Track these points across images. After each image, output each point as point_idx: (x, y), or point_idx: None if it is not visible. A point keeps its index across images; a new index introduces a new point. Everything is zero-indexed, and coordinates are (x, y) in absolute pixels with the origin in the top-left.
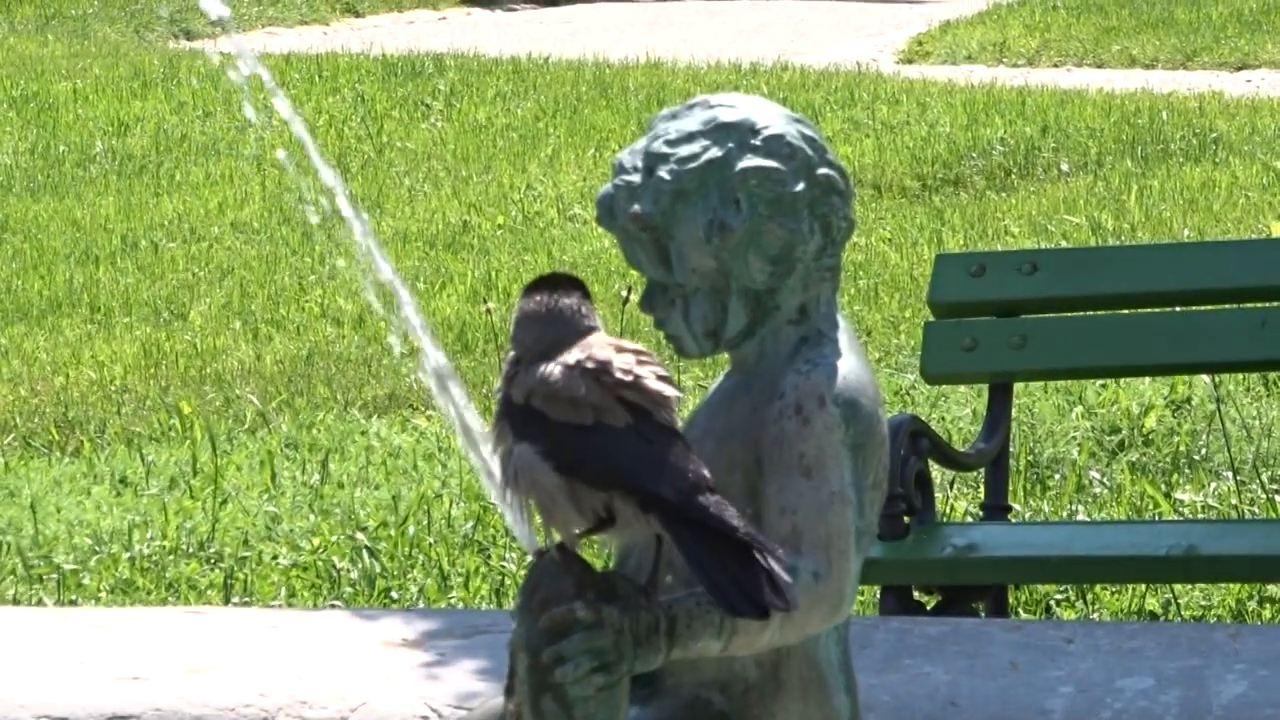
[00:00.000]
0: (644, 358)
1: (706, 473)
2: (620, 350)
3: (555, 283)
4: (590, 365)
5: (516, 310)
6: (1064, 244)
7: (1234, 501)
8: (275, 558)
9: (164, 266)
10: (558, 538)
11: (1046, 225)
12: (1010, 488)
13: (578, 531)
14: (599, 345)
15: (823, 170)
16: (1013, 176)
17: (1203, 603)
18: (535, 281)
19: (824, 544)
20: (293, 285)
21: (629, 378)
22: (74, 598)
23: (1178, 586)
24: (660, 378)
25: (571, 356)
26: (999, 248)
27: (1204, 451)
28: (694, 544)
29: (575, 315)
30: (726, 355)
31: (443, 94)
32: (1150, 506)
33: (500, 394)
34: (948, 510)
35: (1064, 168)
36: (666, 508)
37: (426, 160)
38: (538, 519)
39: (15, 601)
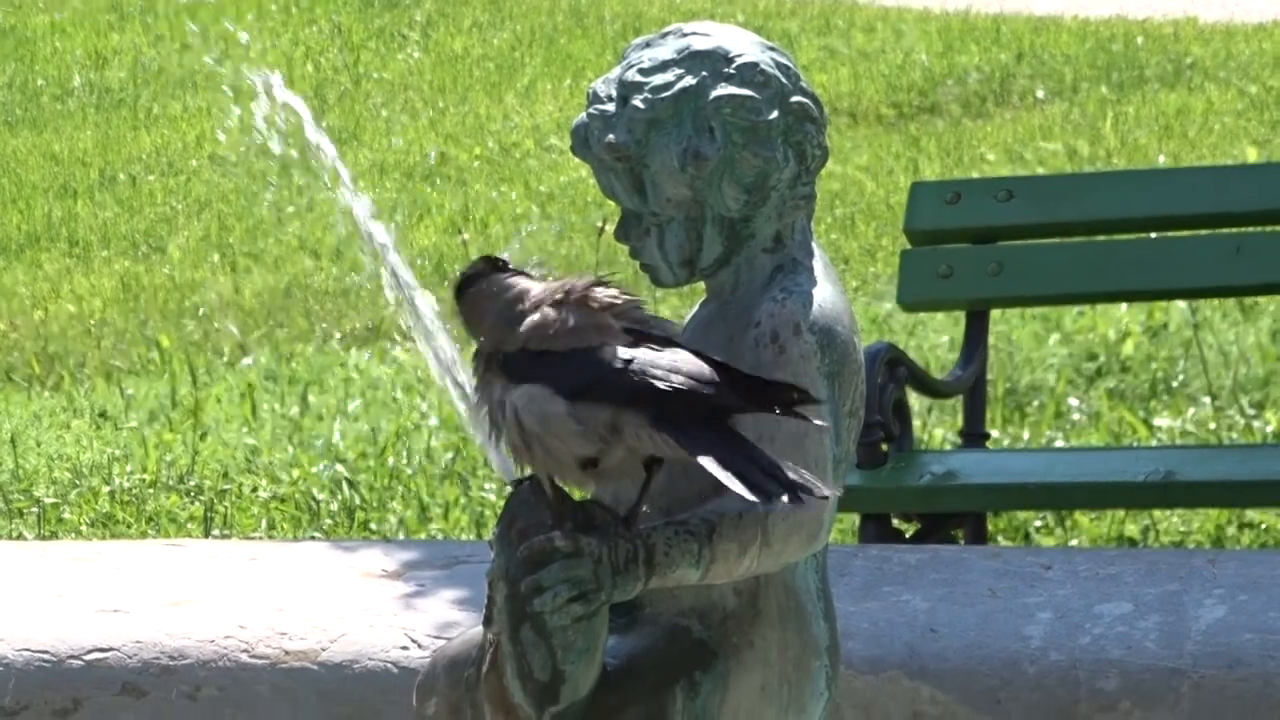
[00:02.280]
0: (607, 283)
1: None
2: (586, 281)
3: (478, 271)
4: (574, 296)
5: (460, 311)
6: (1040, 171)
7: (1212, 427)
8: (255, 490)
9: (142, 200)
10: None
11: (1022, 152)
12: (988, 415)
13: (581, 456)
14: (564, 283)
15: (796, 98)
16: (988, 103)
17: (1181, 528)
18: (460, 281)
19: None
20: (271, 218)
21: (618, 300)
22: (54, 531)
23: (1156, 512)
24: (629, 300)
25: (547, 299)
26: (975, 175)
27: (1181, 377)
28: (715, 444)
29: (519, 276)
30: (702, 285)
31: (419, 24)
32: (1128, 432)
33: (480, 361)
34: (926, 438)
35: (1040, 94)
36: (692, 404)
37: (403, 91)
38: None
39: None
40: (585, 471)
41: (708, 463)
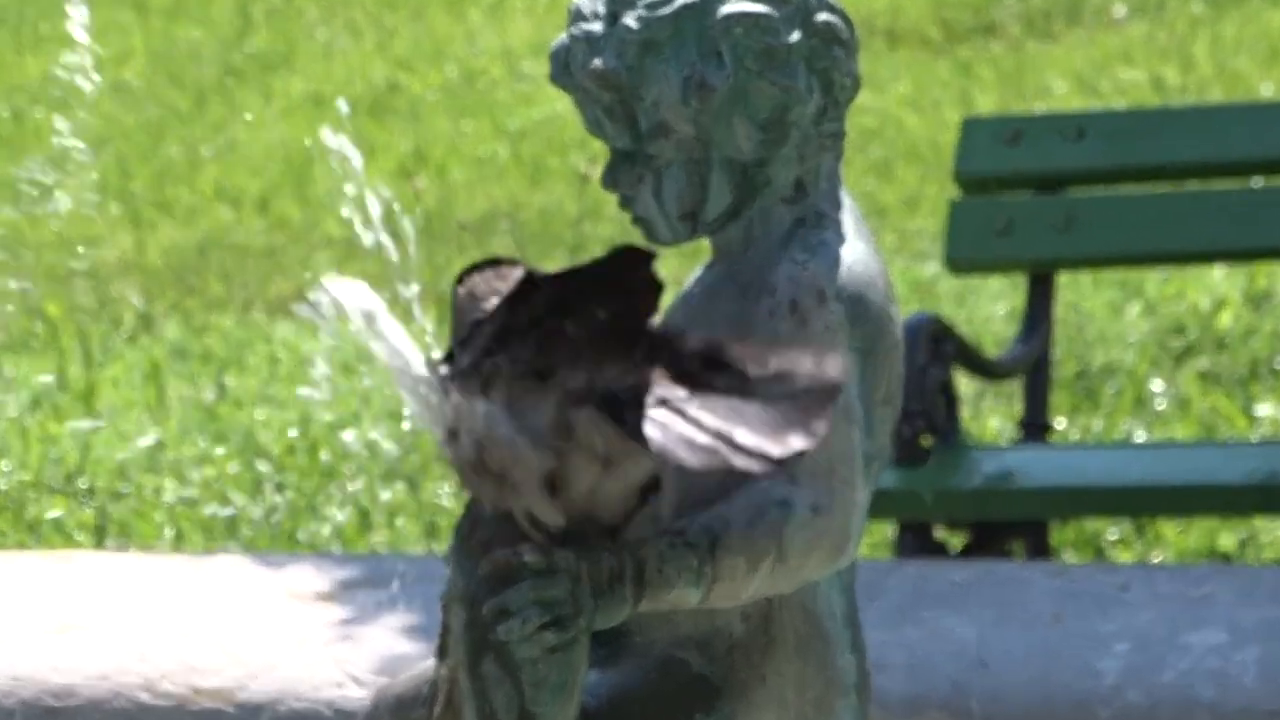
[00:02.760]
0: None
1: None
2: None
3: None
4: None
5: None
6: (1118, 104)
7: None
8: (159, 492)
9: (26, 138)
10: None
11: (1097, 82)
12: (1053, 402)
13: (539, 470)
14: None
15: (822, 16)
16: (1056, 22)
17: None
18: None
19: (824, 471)
20: (182, 160)
21: None
22: None
23: (1257, 521)
24: None
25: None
26: (1039, 109)
27: None
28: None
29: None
30: (707, 242)
31: None
32: (1224, 424)
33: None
34: (977, 430)
35: (1118, 11)
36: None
37: (344, 7)
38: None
39: None
40: (553, 495)
41: (655, 438)
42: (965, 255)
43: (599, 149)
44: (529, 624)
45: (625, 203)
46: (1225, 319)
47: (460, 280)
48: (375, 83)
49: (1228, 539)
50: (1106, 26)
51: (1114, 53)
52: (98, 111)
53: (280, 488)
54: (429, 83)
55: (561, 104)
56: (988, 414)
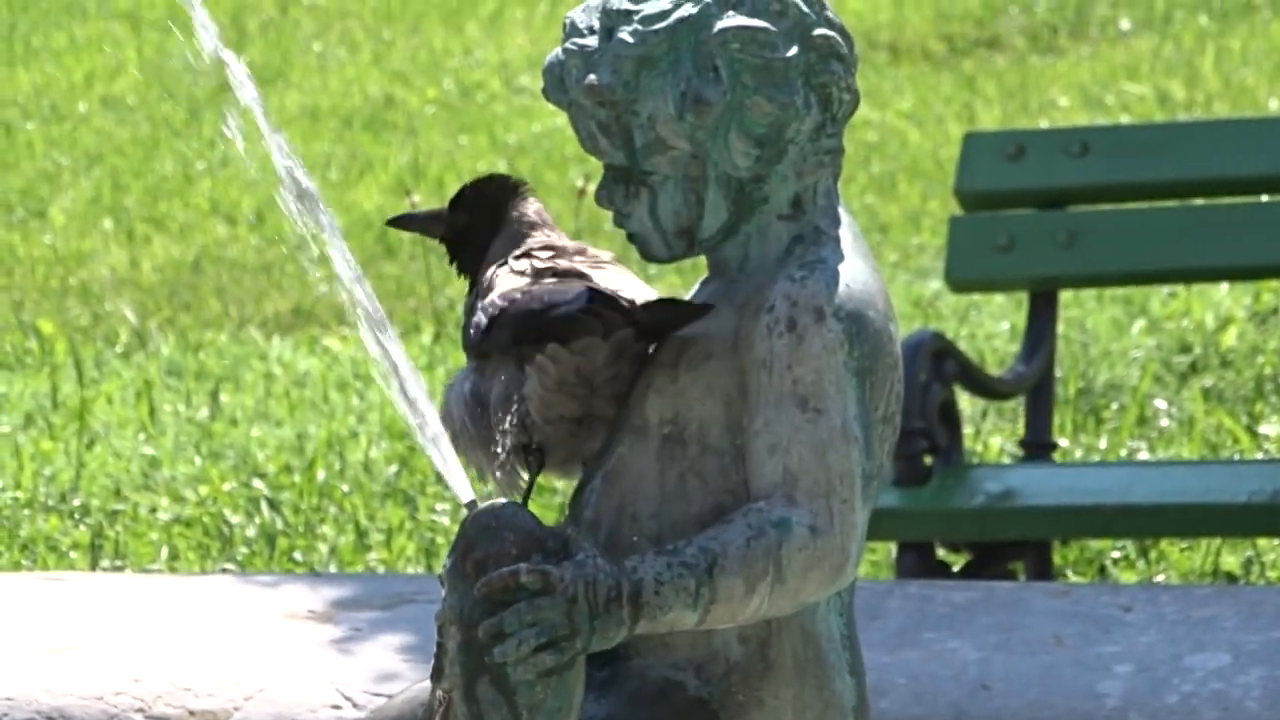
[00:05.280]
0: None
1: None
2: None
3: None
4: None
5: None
6: (1123, 119)
7: None
8: (154, 511)
9: (18, 153)
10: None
11: (1102, 96)
12: (1056, 420)
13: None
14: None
15: (820, 30)
16: (1060, 36)
17: None
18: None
19: (823, 491)
20: (176, 175)
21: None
22: None
23: (1262, 542)
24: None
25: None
26: (1043, 124)
27: None
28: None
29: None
30: (703, 259)
31: None
32: (1228, 442)
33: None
34: (979, 449)
35: (1124, 25)
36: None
37: (340, 19)
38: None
39: None
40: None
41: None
42: (967, 272)
43: (596, 164)
44: (525, 646)
45: (620, 219)
46: (1230, 337)
47: (479, 189)
48: (372, 97)
49: (1232, 559)
50: (1112, 40)
51: (1119, 67)
52: (90, 126)
53: (275, 507)
54: (426, 97)
55: (559, 119)
56: (990, 433)
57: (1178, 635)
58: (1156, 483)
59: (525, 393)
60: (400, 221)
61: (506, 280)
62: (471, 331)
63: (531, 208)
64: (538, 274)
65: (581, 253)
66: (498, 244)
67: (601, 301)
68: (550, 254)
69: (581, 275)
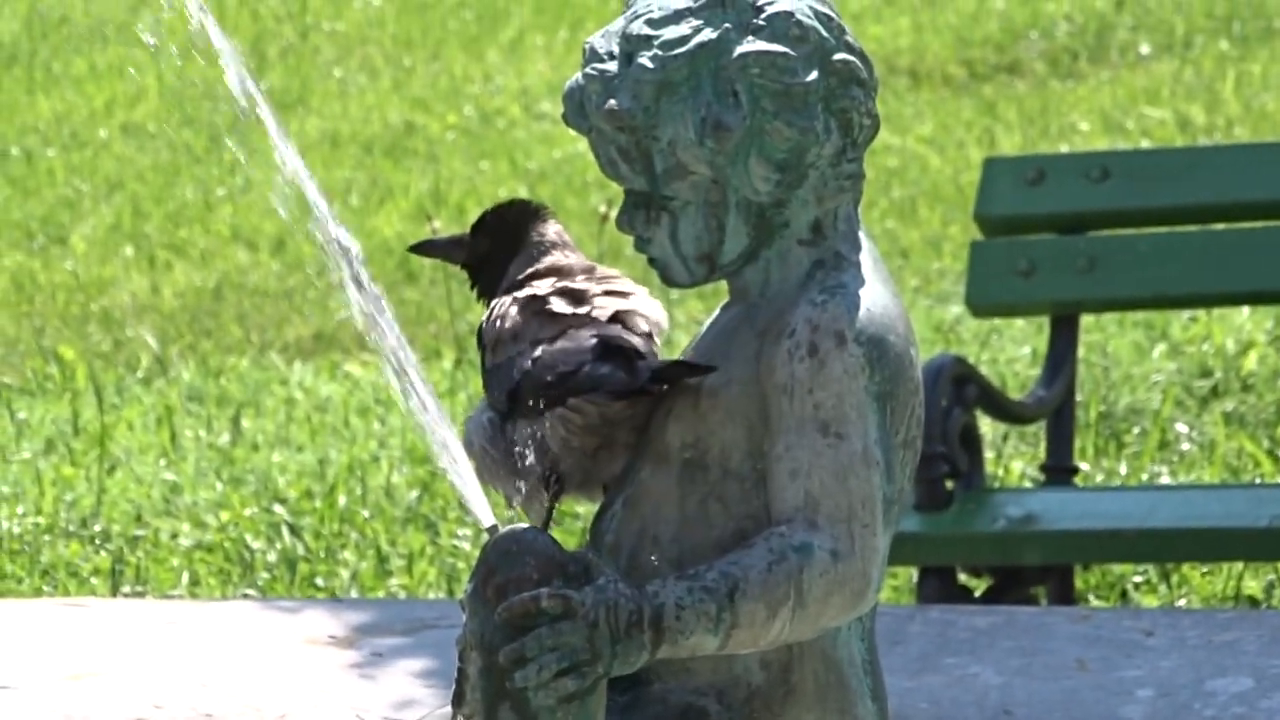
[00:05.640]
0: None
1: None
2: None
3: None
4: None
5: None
6: (1143, 144)
7: None
8: (175, 537)
9: (39, 179)
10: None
11: (1122, 121)
12: (1077, 445)
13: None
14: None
15: (840, 55)
16: (1081, 61)
17: None
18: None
19: (844, 515)
20: (197, 201)
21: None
22: None
23: None
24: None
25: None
26: (1063, 149)
27: None
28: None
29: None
30: (724, 284)
31: None
32: (1249, 466)
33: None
34: (1000, 473)
35: (1144, 49)
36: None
37: (361, 46)
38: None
39: None
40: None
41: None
42: (987, 297)
43: (618, 190)
44: (546, 671)
45: (640, 244)
46: (1251, 361)
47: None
48: (392, 123)
49: (1254, 584)
50: (1132, 65)
51: (1139, 92)
52: (110, 153)
53: (296, 532)
54: (446, 123)
55: (580, 144)
56: (1011, 457)
57: (1199, 659)
58: (1178, 507)
59: (547, 432)
60: (422, 248)
61: (514, 313)
62: (494, 395)
63: (551, 230)
64: (540, 301)
65: (588, 272)
66: (513, 267)
67: (611, 351)
68: (554, 279)
69: (586, 298)
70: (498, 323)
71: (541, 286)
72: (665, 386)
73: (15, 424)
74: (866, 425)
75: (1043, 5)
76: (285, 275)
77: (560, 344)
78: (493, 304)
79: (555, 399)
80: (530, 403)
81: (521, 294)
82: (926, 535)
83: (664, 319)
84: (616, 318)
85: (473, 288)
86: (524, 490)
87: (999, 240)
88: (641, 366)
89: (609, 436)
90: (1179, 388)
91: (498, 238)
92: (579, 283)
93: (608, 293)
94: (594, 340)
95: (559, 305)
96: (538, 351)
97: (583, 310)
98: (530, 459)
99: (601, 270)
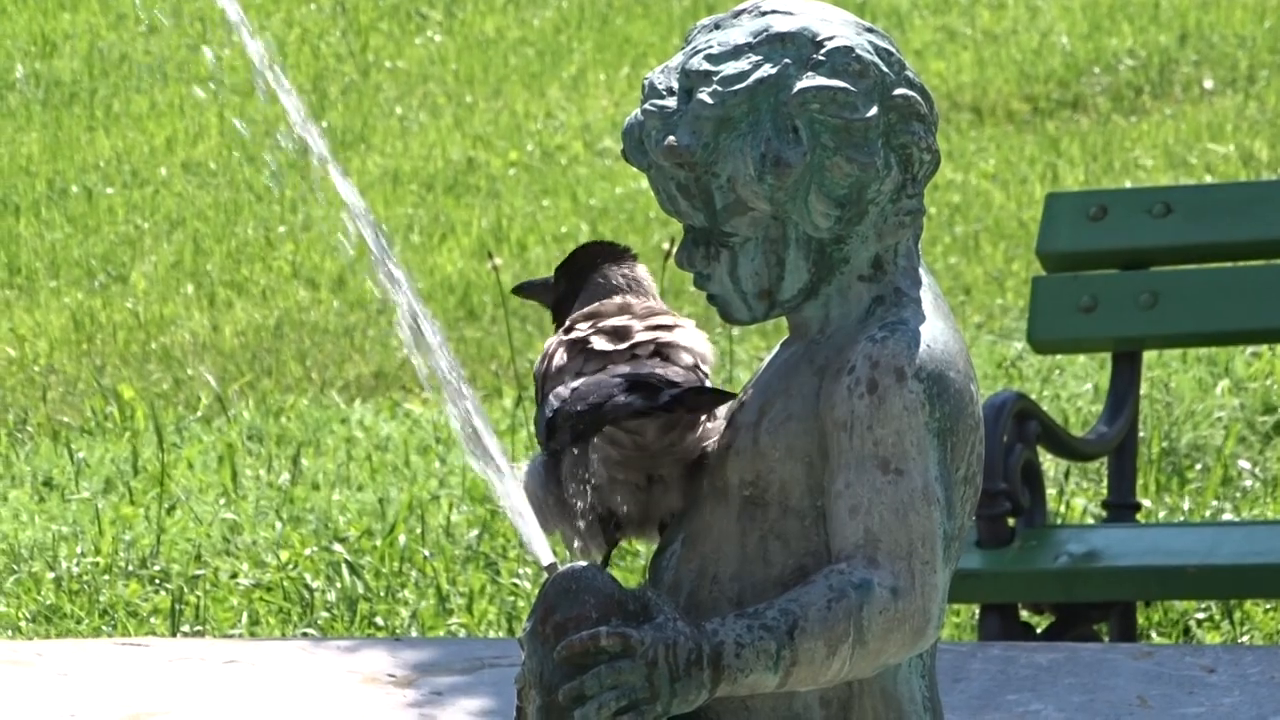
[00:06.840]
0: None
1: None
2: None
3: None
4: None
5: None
6: (1207, 179)
7: None
8: (234, 576)
9: (99, 217)
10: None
11: (1186, 156)
12: (1139, 481)
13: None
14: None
15: (900, 91)
16: (1144, 96)
17: None
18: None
19: (904, 552)
20: (258, 239)
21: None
22: None
23: None
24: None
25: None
26: (1126, 184)
27: None
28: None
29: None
30: (784, 321)
31: (442, 0)
32: None
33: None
34: (1062, 510)
35: (1207, 84)
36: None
37: (422, 83)
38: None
39: None
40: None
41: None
42: (1050, 333)
43: (680, 226)
44: (605, 709)
45: (700, 281)
46: None
47: (589, 258)
48: (453, 160)
49: None
50: (1195, 100)
51: (1203, 127)
52: (171, 190)
53: (356, 571)
54: (508, 160)
55: (640, 181)
56: (1073, 493)
57: (1261, 696)
58: (1241, 543)
59: (592, 467)
60: (521, 289)
61: (559, 354)
62: (537, 430)
63: (617, 272)
64: (584, 341)
65: (626, 310)
66: (574, 309)
67: (636, 390)
68: (590, 323)
69: (628, 334)
70: (544, 363)
71: (583, 327)
72: (689, 411)
73: (75, 463)
74: (927, 461)
75: (1106, 41)
76: (346, 313)
77: (596, 377)
78: (545, 345)
79: (586, 429)
80: (562, 434)
81: (568, 336)
82: (988, 572)
83: (710, 351)
84: (659, 351)
85: (556, 329)
86: (582, 530)
87: (1061, 276)
88: (664, 390)
89: (652, 467)
90: (1242, 424)
91: (572, 279)
92: (620, 320)
93: (650, 327)
94: (625, 371)
95: (599, 343)
96: (574, 384)
97: (623, 346)
98: (583, 501)
99: (641, 307)
